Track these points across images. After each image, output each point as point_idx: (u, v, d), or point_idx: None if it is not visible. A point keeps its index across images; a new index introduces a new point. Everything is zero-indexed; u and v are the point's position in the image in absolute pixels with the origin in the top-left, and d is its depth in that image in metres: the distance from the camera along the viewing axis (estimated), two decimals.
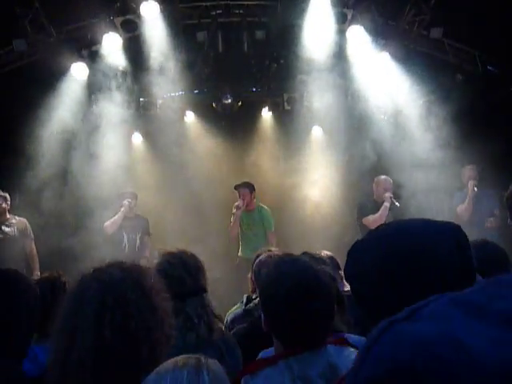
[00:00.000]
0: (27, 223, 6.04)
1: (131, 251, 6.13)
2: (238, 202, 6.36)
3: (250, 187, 6.46)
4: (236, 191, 6.46)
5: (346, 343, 1.77)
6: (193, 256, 2.64)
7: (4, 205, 5.87)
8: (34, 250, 6.02)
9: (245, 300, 3.25)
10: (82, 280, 1.41)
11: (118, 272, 1.43)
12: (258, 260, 2.97)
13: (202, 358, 1.18)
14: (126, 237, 6.22)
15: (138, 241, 6.27)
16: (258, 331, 2.65)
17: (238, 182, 6.50)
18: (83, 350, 1.26)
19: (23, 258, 5.86)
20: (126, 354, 1.28)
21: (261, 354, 1.84)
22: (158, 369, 1.15)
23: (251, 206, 6.47)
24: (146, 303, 1.39)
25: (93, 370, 1.25)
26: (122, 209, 6.20)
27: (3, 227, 5.82)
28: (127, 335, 1.29)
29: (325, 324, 1.72)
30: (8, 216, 5.94)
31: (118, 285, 1.38)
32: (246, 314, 3.19)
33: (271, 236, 6.47)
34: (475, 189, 6.04)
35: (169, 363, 1.16)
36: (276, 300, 1.71)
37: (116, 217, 6.17)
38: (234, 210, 6.39)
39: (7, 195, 5.96)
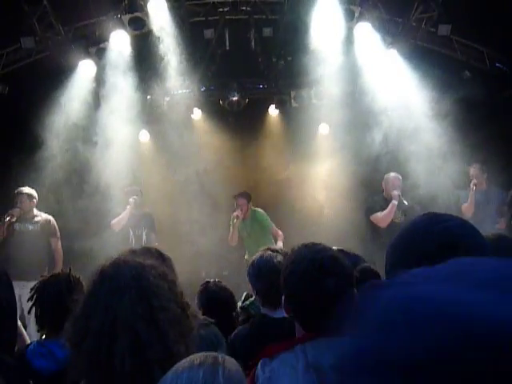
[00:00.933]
0: (52, 220, 6.01)
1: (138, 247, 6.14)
2: (236, 213, 6.44)
3: (247, 197, 6.57)
4: (234, 199, 6.55)
5: None
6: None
7: (29, 202, 5.86)
8: (59, 248, 5.99)
9: (243, 298, 3.30)
10: (116, 270, 1.43)
11: (145, 264, 1.47)
12: (251, 260, 2.98)
13: (220, 357, 1.18)
14: (131, 233, 6.25)
15: (144, 237, 6.29)
16: (259, 331, 2.67)
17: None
18: (121, 345, 1.29)
19: (45, 254, 5.86)
20: (159, 348, 1.32)
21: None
22: (175, 367, 1.16)
23: (247, 215, 6.56)
24: (172, 294, 1.44)
25: (130, 366, 1.27)
26: (128, 206, 6.22)
27: (27, 224, 5.83)
28: (160, 328, 1.34)
29: (337, 302, 1.73)
30: (35, 213, 5.93)
31: (150, 276, 1.42)
32: (242, 311, 3.23)
33: (274, 232, 6.53)
34: (474, 188, 6.06)
35: (186, 361, 1.17)
36: (295, 277, 1.79)
37: (123, 214, 6.20)
38: (235, 221, 6.46)
39: (33, 192, 5.92)
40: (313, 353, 1.68)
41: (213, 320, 2.52)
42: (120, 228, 6.18)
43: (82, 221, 6.70)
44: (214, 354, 1.20)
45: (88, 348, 1.30)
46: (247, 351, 2.58)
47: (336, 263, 1.82)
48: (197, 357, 1.18)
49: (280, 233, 6.52)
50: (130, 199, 6.24)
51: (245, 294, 3.32)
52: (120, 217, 6.19)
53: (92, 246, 5.90)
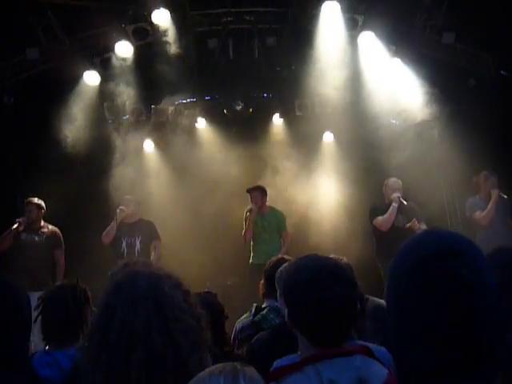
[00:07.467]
0: (58, 232, 6.05)
1: (130, 256, 6.07)
2: (251, 206, 6.39)
3: (261, 190, 6.55)
4: (248, 194, 6.53)
5: (372, 356, 1.68)
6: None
7: (37, 212, 5.89)
8: (61, 260, 6.01)
9: (253, 310, 3.20)
10: (131, 282, 1.41)
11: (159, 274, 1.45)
12: (269, 264, 2.97)
13: (239, 365, 1.18)
14: (124, 242, 6.19)
15: (138, 245, 6.23)
16: (280, 338, 2.63)
17: (249, 184, 6.64)
18: (138, 359, 1.28)
19: (49, 266, 5.88)
20: (173, 360, 1.30)
21: (279, 361, 1.77)
22: (195, 378, 1.16)
23: (264, 208, 6.53)
24: (187, 305, 1.42)
25: (146, 378, 1.27)
26: (115, 217, 6.18)
27: (33, 235, 5.84)
28: (174, 340, 1.32)
29: (348, 312, 1.69)
30: (42, 224, 5.96)
31: (165, 287, 1.41)
32: (254, 325, 3.14)
33: (286, 236, 6.57)
34: (498, 196, 5.98)
35: (206, 371, 1.17)
36: (299, 287, 1.71)
37: (109, 227, 6.16)
38: (247, 214, 6.43)
39: (42, 203, 5.96)
40: (328, 374, 1.58)
41: None
42: (108, 240, 6.14)
43: (81, 231, 6.68)
44: (233, 363, 1.20)
45: (106, 360, 1.29)
46: (266, 357, 2.54)
47: (341, 269, 1.76)
48: (216, 366, 1.18)
49: (289, 238, 6.52)
50: (117, 210, 6.21)
51: (254, 305, 3.23)
52: (107, 230, 6.16)
53: (84, 253, 5.88)
